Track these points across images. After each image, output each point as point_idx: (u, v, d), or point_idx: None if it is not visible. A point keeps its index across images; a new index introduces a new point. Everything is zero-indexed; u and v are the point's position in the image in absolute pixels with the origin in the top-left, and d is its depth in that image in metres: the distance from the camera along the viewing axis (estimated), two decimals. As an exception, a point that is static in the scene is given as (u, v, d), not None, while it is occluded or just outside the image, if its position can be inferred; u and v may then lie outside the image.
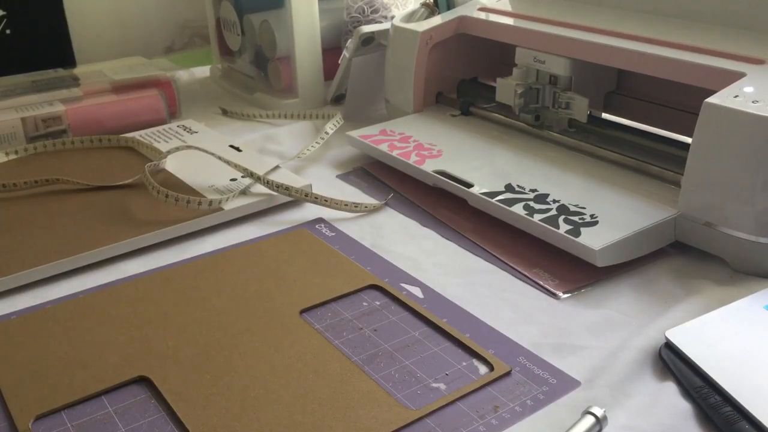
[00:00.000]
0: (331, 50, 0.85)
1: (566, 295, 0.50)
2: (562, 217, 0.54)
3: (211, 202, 0.59)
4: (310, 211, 0.63)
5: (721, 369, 0.40)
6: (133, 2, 1.08)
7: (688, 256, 0.53)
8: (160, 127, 0.79)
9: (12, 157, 0.73)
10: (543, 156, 0.64)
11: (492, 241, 0.57)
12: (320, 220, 0.61)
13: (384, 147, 0.67)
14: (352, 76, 0.80)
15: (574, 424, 0.38)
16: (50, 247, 0.55)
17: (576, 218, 0.53)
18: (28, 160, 0.72)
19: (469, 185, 0.60)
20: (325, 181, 0.68)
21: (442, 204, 0.62)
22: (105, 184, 0.65)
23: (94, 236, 0.57)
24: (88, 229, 0.58)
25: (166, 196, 0.59)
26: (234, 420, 0.39)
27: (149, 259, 0.56)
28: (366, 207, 0.62)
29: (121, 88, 0.82)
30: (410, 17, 0.79)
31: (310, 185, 0.64)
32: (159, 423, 0.40)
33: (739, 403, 0.38)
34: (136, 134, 0.77)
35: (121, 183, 0.66)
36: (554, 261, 0.53)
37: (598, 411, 0.38)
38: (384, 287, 0.51)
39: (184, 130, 0.78)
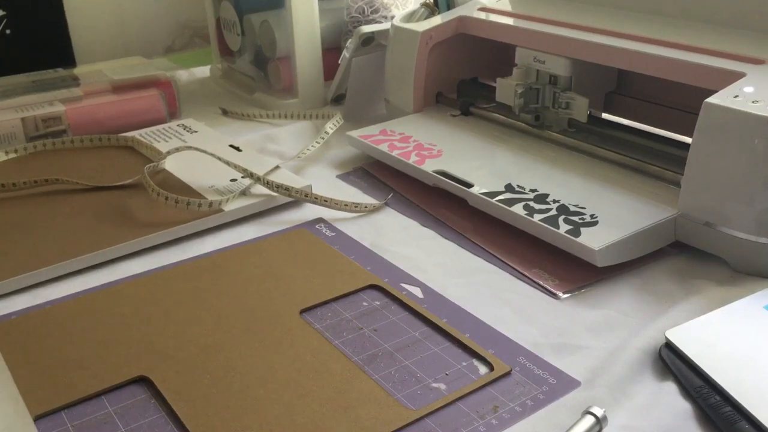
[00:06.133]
0: (331, 50, 0.85)
1: (566, 295, 0.50)
2: (562, 217, 0.54)
3: (211, 204, 0.59)
4: (310, 211, 0.63)
5: (721, 369, 0.40)
6: (133, 2, 1.08)
7: (688, 256, 0.53)
8: (159, 126, 0.79)
9: (12, 155, 0.73)
10: (543, 156, 0.64)
11: (492, 241, 0.57)
12: (320, 220, 0.61)
13: (384, 147, 0.67)
14: (352, 76, 0.80)
15: (574, 424, 0.38)
16: (50, 249, 0.55)
17: (576, 218, 0.53)
18: (27, 160, 0.72)
19: (469, 185, 0.60)
20: (325, 181, 0.68)
21: (442, 204, 0.62)
22: (105, 185, 0.65)
23: (94, 238, 0.57)
24: (88, 230, 0.58)
25: (166, 198, 0.59)
26: (234, 420, 0.39)
27: (149, 259, 0.56)
28: (366, 207, 0.62)
29: (121, 88, 0.82)
30: (410, 17, 0.79)
31: (310, 186, 0.64)
32: (159, 423, 0.40)
33: (739, 403, 0.38)
34: (135, 133, 0.77)
35: (120, 183, 0.66)
36: (554, 261, 0.53)
37: (598, 411, 0.38)
38: (384, 287, 0.51)
39: (184, 129, 0.78)
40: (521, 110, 0.68)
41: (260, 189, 0.63)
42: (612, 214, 0.54)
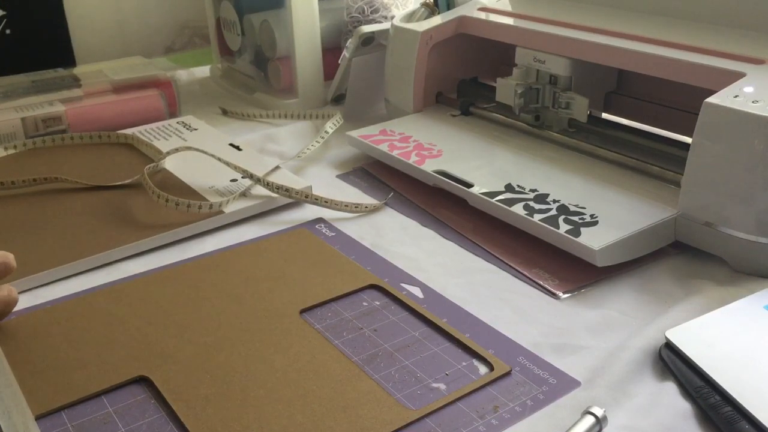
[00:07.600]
0: (331, 50, 0.85)
1: (566, 295, 0.50)
2: (562, 217, 0.54)
3: (211, 206, 0.59)
4: (310, 211, 0.63)
5: (721, 369, 0.40)
6: (133, 2, 1.08)
7: (688, 256, 0.53)
8: (159, 123, 0.79)
9: (11, 151, 0.72)
10: (543, 156, 0.64)
11: (492, 241, 0.57)
12: (320, 220, 0.61)
13: (384, 147, 0.67)
14: (352, 76, 0.80)
15: (574, 424, 0.38)
16: (50, 251, 0.55)
17: (576, 218, 0.53)
18: (26, 156, 0.72)
19: (469, 185, 0.60)
20: (325, 181, 0.68)
21: (442, 204, 0.62)
22: (105, 184, 0.65)
23: (94, 239, 0.57)
24: (88, 231, 0.58)
25: (167, 200, 0.59)
26: (234, 420, 0.39)
27: (150, 259, 0.56)
28: (366, 207, 0.62)
29: (122, 88, 0.82)
30: (410, 17, 0.79)
31: (310, 186, 0.64)
32: (159, 423, 0.40)
33: (739, 403, 0.38)
34: (135, 130, 0.77)
35: (120, 183, 0.65)
36: (554, 261, 0.53)
37: (598, 411, 0.38)
38: (384, 287, 0.51)
39: (184, 126, 0.78)
40: (521, 110, 0.68)
41: (260, 190, 0.63)
42: (612, 214, 0.54)
